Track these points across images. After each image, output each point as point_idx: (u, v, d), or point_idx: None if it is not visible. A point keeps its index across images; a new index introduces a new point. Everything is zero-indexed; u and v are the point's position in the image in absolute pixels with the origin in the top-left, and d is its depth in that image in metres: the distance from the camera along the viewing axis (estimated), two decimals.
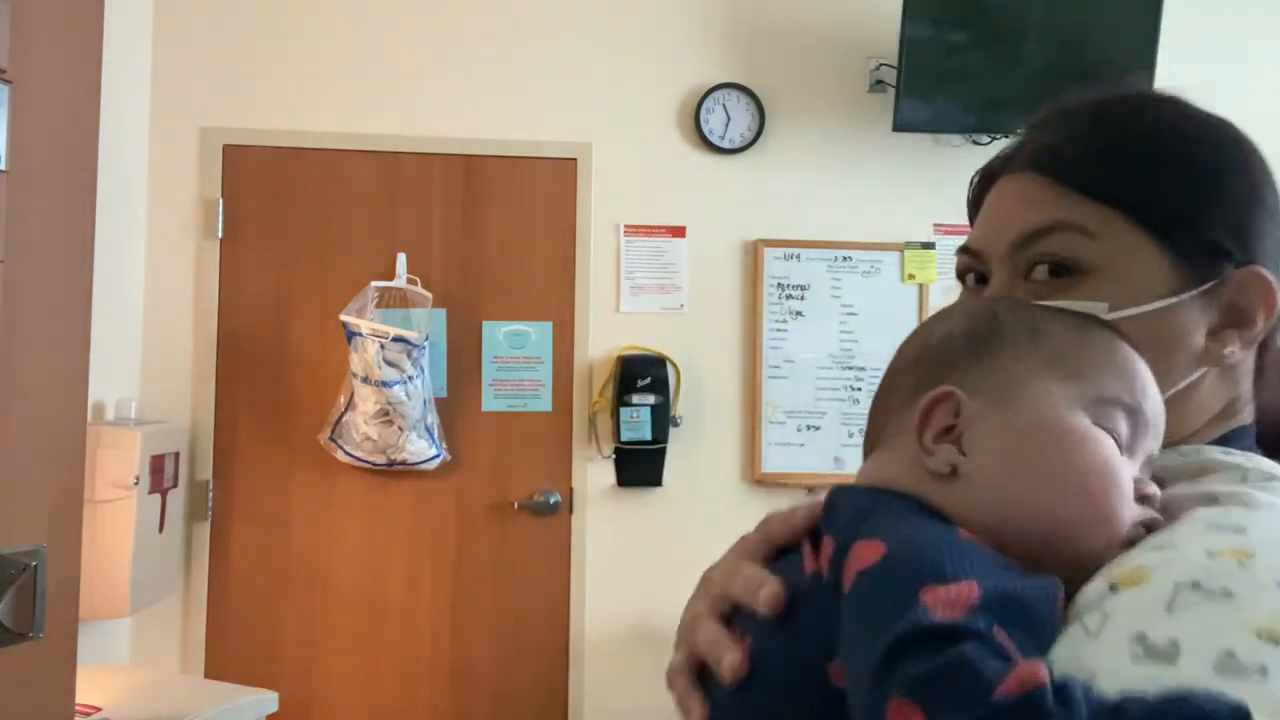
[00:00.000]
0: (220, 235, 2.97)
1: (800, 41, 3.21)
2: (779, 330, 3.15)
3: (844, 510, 0.50)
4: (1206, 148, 0.61)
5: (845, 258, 3.19)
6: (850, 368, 3.16)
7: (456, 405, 3.02)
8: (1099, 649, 0.42)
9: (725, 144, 3.14)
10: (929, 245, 3.21)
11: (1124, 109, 0.66)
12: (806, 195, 3.19)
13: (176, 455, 2.75)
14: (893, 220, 3.22)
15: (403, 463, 2.86)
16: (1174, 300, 0.58)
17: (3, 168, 1.05)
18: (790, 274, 3.16)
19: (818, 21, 3.22)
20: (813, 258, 3.17)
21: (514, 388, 3.05)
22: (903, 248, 3.21)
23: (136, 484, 2.43)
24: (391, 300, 2.95)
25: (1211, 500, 0.52)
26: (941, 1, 3.00)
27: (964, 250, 0.66)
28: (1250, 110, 3.06)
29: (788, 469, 3.09)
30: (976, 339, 0.54)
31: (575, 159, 3.10)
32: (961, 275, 0.68)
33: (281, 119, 3.02)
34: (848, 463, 3.13)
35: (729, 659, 0.50)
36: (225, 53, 3.01)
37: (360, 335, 2.74)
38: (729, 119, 3.15)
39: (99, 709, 2.00)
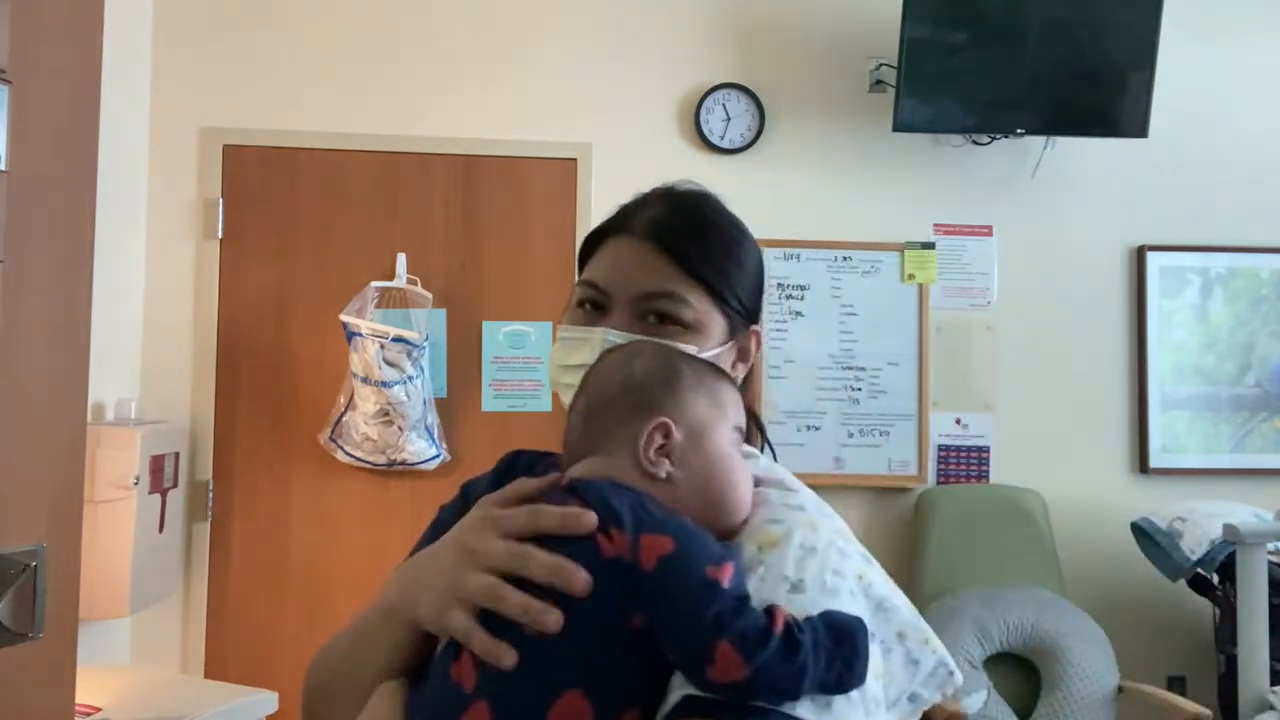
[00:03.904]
0: (220, 235, 2.97)
1: (800, 41, 3.21)
2: (779, 330, 3.15)
3: (616, 506, 0.70)
4: (745, 245, 0.94)
5: (845, 258, 3.19)
6: (850, 368, 3.16)
7: (456, 405, 3.02)
8: (763, 589, 0.70)
9: (725, 144, 3.14)
10: (929, 245, 3.21)
11: (704, 207, 0.95)
12: (806, 195, 3.19)
13: (176, 455, 2.75)
14: (893, 220, 3.21)
15: (403, 463, 2.85)
16: (726, 347, 0.91)
17: (3, 168, 1.05)
18: (790, 274, 3.16)
19: (818, 21, 3.22)
20: (813, 258, 3.17)
21: (514, 388, 3.05)
22: (902, 248, 3.20)
23: (136, 484, 2.43)
24: (391, 300, 2.95)
25: (775, 484, 0.81)
26: (941, 1, 3.00)
27: (590, 285, 0.91)
28: (1248, 109, 3.07)
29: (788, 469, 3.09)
30: (668, 380, 0.78)
31: (575, 159, 3.10)
32: (582, 302, 0.92)
33: (281, 119, 3.02)
34: (848, 462, 3.13)
35: (552, 618, 0.66)
36: (225, 53, 3.01)
37: (360, 335, 2.74)
38: (729, 119, 3.15)
39: (99, 709, 2.00)
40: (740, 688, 0.64)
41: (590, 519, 0.69)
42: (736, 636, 0.63)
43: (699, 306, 0.89)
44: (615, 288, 0.90)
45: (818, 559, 0.73)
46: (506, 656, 0.67)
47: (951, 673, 0.77)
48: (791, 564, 0.72)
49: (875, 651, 0.70)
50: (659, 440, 0.76)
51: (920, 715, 0.77)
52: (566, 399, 0.88)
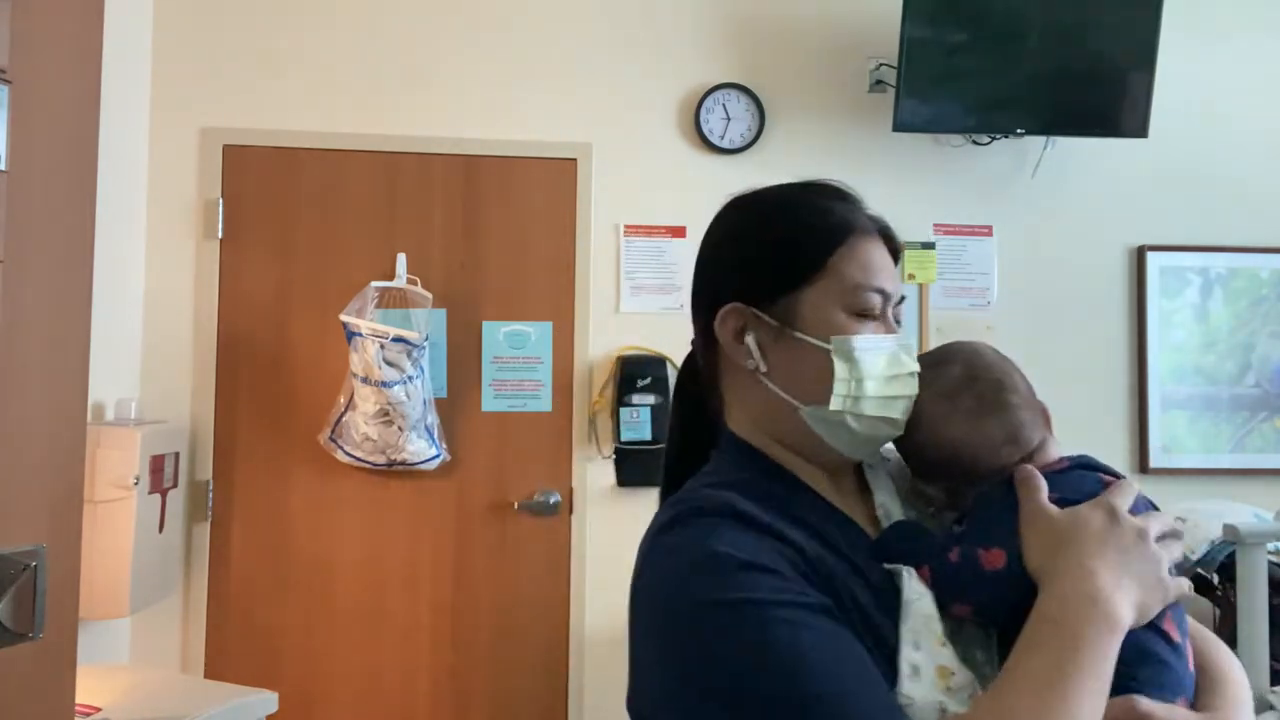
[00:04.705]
0: (220, 235, 2.97)
1: (800, 41, 3.21)
2: None
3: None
4: None
5: None
6: None
7: (456, 405, 3.02)
8: None
9: (725, 144, 3.14)
10: (929, 245, 3.21)
11: None
12: None
13: (176, 455, 2.75)
14: (893, 220, 3.18)
15: (403, 463, 2.85)
16: None
17: (3, 168, 1.05)
18: None
19: (818, 21, 3.22)
20: None
21: (514, 388, 3.05)
22: (903, 248, 3.20)
23: (136, 484, 2.43)
24: (391, 300, 2.95)
25: None
26: (941, 1, 3.00)
27: (881, 291, 0.93)
28: (1248, 110, 3.07)
29: None
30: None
31: (575, 159, 3.10)
32: (869, 310, 0.92)
33: (281, 119, 3.02)
34: None
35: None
36: (225, 53, 3.01)
37: (360, 335, 2.74)
38: (729, 119, 3.15)
39: (99, 709, 2.00)
40: None
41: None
42: None
43: None
44: (894, 291, 0.95)
45: None
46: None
47: None
48: None
49: None
50: None
51: None
52: (889, 411, 0.91)
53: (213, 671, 2.87)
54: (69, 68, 1.22)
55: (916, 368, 0.92)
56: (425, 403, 2.87)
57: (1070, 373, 3.24)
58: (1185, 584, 0.82)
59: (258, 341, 2.97)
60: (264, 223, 2.99)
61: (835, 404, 0.89)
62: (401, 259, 2.99)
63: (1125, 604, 0.77)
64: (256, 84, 3.02)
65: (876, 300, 0.91)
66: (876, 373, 0.89)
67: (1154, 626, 0.80)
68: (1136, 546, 0.80)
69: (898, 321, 0.95)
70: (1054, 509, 0.83)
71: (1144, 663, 0.78)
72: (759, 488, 0.88)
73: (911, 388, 0.91)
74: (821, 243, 0.92)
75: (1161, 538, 0.83)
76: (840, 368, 0.88)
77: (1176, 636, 0.81)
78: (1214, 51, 3.35)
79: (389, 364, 2.75)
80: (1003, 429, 0.88)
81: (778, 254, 0.93)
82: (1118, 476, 0.89)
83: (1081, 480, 0.86)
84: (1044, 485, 0.85)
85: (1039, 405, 0.94)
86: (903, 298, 0.97)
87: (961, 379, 0.90)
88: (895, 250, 0.99)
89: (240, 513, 2.94)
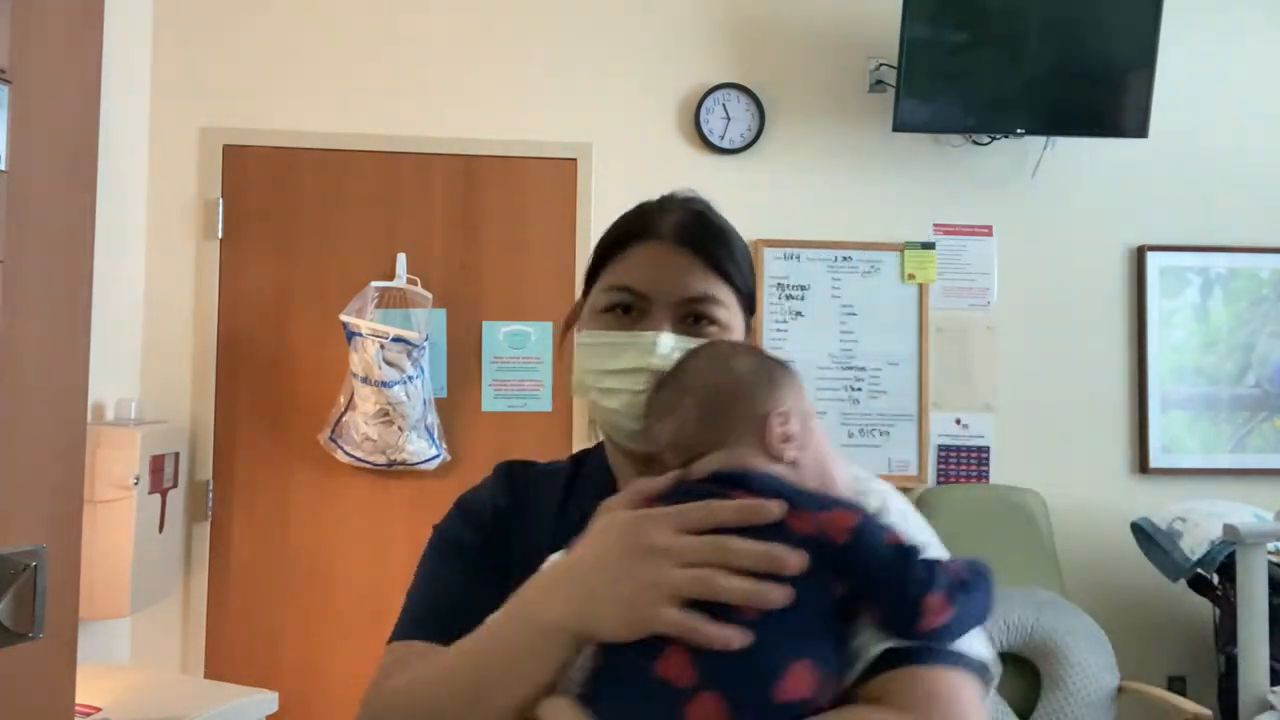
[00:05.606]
0: (220, 235, 2.97)
1: (800, 41, 3.21)
2: (779, 330, 3.15)
3: (787, 490, 0.76)
4: (743, 245, 1.00)
5: (845, 258, 3.19)
6: (850, 368, 3.16)
7: (456, 405, 3.02)
8: None
9: (725, 144, 3.14)
10: (929, 245, 3.21)
11: (713, 212, 1.01)
12: (806, 195, 3.19)
13: (176, 455, 2.75)
14: (893, 220, 3.21)
15: (403, 463, 2.85)
16: (745, 340, 0.98)
17: (3, 168, 1.05)
18: (790, 274, 3.16)
19: (818, 21, 3.22)
20: (813, 258, 3.17)
21: (514, 388, 3.05)
22: (902, 248, 3.20)
23: (136, 484, 2.43)
24: (391, 300, 2.95)
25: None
26: (941, 1, 3.00)
27: (627, 290, 0.94)
28: (1248, 109, 3.07)
29: None
30: (772, 375, 0.85)
31: (575, 159, 3.10)
32: (614, 306, 0.95)
33: (281, 119, 3.02)
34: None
35: (778, 593, 0.68)
36: (225, 53, 3.01)
37: (360, 335, 2.74)
38: (729, 119, 3.15)
39: (99, 709, 2.00)
40: (938, 632, 0.72)
41: (775, 507, 0.72)
42: (942, 587, 0.71)
43: (729, 306, 0.95)
44: (656, 292, 0.93)
45: (914, 520, 0.85)
46: (737, 638, 0.67)
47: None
48: (899, 526, 0.78)
49: None
50: (781, 428, 0.82)
51: None
52: (611, 402, 0.91)
53: (213, 671, 2.87)
54: (69, 68, 1.22)
55: (653, 364, 0.89)
56: (425, 403, 2.87)
57: (1070, 373, 3.24)
58: (684, 622, 0.68)
59: (258, 341, 2.97)
60: (264, 223, 2.99)
61: (573, 389, 0.97)
62: (401, 259, 2.99)
63: (554, 608, 0.73)
64: (256, 84, 3.02)
65: (620, 297, 0.94)
66: (595, 365, 0.93)
67: (638, 650, 0.69)
68: (619, 562, 0.72)
69: (701, 320, 0.93)
70: (613, 513, 0.78)
71: (603, 679, 0.71)
72: (559, 472, 1.03)
73: (638, 383, 0.89)
74: (603, 252, 0.99)
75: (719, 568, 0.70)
76: (576, 358, 0.96)
77: (668, 676, 0.68)
78: (1214, 51, 3.35)
79: (389, 364, 2.75)
80: (667, 433, 0.84)
81: (590, 265, 1.02)
82: (762, 495, 0.75)
83: (684, 496, 0.76)
84: (638, 492, 0.79)
85: (747, 419, 0.82)
86: (705, 298, 0.93)
87: (664, 379, 0.87)
88: (711, 257, 0.95)
89: (240, 513, 2.94)
